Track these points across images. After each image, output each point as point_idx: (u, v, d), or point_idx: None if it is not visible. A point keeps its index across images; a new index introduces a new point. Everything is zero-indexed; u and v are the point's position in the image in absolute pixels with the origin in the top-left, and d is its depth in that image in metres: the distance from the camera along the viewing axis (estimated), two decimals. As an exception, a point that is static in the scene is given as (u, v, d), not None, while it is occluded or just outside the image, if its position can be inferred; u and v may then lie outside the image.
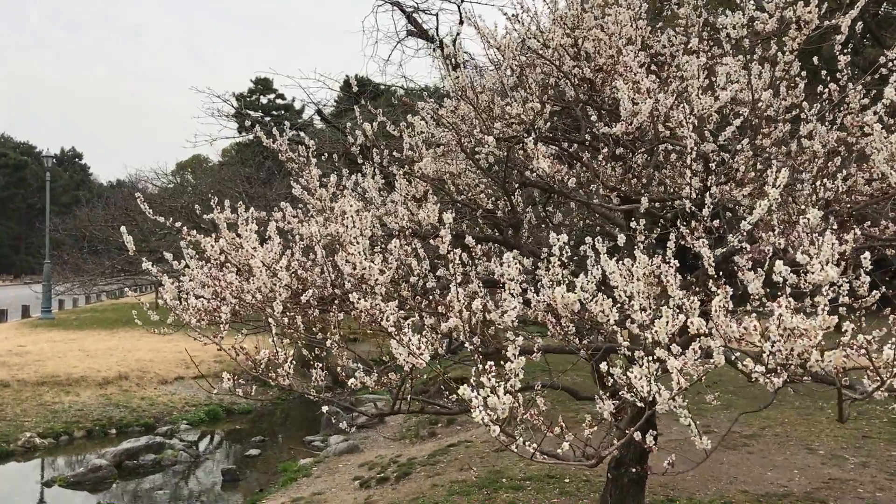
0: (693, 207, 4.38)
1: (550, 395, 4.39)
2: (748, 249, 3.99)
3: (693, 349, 3.44)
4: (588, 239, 4.45)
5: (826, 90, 5.66)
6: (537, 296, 4.20)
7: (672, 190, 5.76)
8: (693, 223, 4.20)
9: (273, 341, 3.95)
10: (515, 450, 3.32)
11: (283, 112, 55.11)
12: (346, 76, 20.60)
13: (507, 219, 6.12)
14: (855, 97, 5.49)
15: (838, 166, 5.33)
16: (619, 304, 3.87)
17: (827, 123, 5.53)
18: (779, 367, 3.19)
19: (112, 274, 28.38)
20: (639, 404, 3.31)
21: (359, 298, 3.43)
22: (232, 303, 4.46)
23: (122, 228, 6.04)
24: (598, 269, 4.07)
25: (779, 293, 3.52)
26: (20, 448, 13.58)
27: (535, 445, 3.37)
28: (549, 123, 6.02)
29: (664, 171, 6.04)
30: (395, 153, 6.45)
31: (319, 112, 16.48)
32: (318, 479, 11.41)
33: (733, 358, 3.58)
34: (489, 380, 3.14)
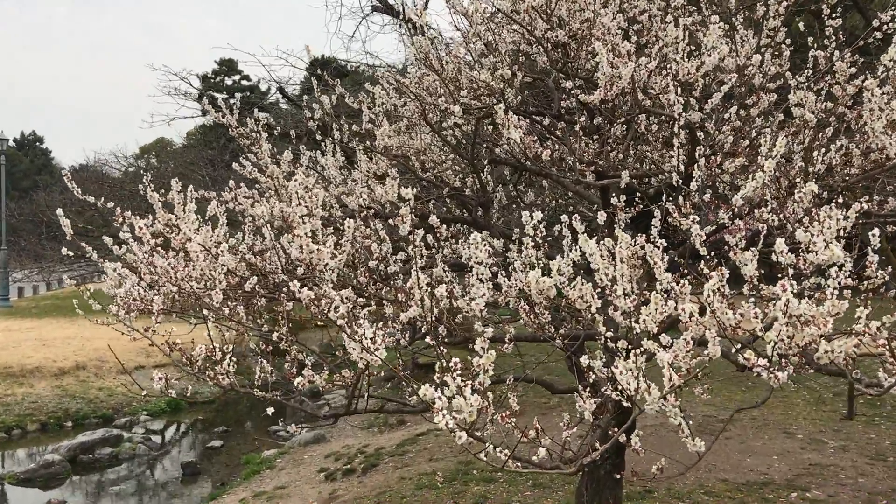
0: (680, 181, 3.98)
1: (522, 387, 4.00)
2: (741, 227, 3.61)
3: (685, 339, 3.05)
4: (564, 217, 4.05)
5: (813, 57, 5.32)
6: (509, 280, 3.79)
7: (652, 165, 5.37)
8: (680, 198, 3.80)
9: (209, 335, 3.49)
10: (485, 458, 2.91)
11: (248, 93, 53.94)
12: (313, 56, 19.91)
13: (476, 197, 5.69)
14: (843, 65, 5.14)
15: (830, 137, 4.98)
16: (599, 290, 3.46)
17: (814, 93, 5.18)
18: (783, 360, 2.81)
19: (73, 260, 27.52)
20: (625, 403, 2.91)
21: (300, 287, 2.98)
22: (171, 291, 3.99)
23: (59, 211, 5.51)
24: (575, 250, 3.67)
25: (779, 275, 3.16)
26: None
27: (506, 451, 2.97)
28: (519, 97, 5.59)
29: (642, 148, 5.65)
30: (355, 127, 5.99)
31: (281, 90, 15.81)
32: (282, 472, 10.98)
33: (734, 351, 3.19)
34: (454, 378, 2.72)
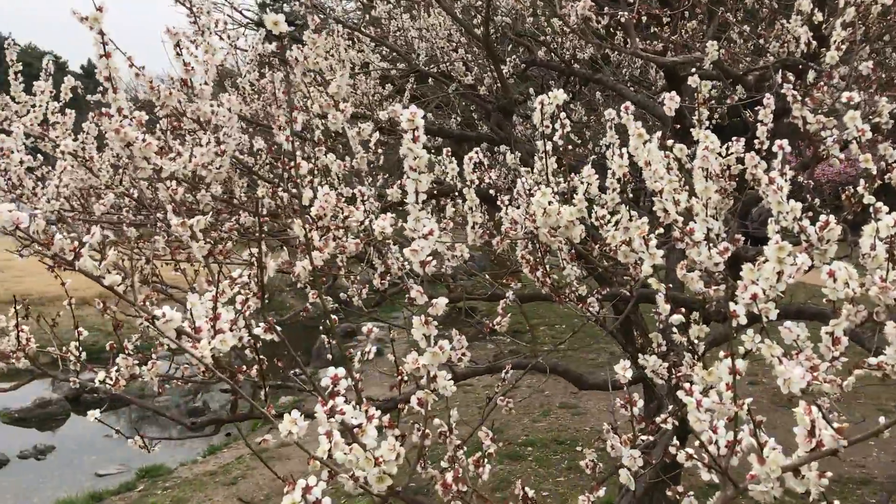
0: (805, 59, 2.39)
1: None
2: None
3: (830, 333, 1.54)
4: (609, 112, 2.52)
5: None
6: (509, 211, 2.30)
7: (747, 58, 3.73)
8: (810, 75, 2.23)
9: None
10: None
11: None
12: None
13: (495, 99, 4.14)
14: None
15: None
16: (661, 229, 1.94)
17: None
18: None
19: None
20: (705, 475, 1.42)
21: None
22: None
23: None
24: (622, 160, 2.15)
25: None
26: (-24, 375, 12.18)
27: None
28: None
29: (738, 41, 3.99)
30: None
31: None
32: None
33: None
34: (330, 413, 1.30)
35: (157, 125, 2.71)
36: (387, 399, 2.63)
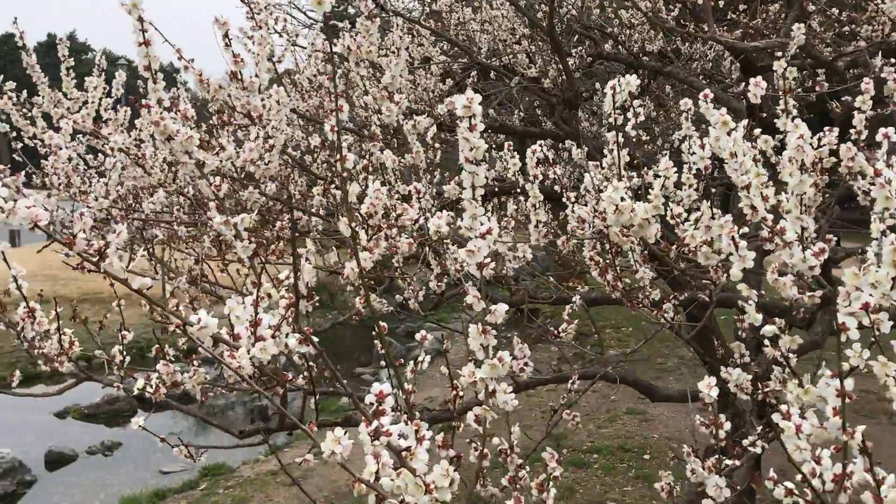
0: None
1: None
2: None
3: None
4: (686, 102, 2.33)
5: None
6: (575, 209, 2.13)
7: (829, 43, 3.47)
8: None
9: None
10: None
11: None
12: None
13: (561, 92, 3.96)
14: None
15: None
16: (745, 227, 1.75)
17: None
18: None
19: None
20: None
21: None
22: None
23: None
24: (703, 152, 1.96)
25: None
26: (47, 371, 12.49)
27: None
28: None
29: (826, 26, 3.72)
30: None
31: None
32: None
33: None
34: (374, 435, 1.17)
35: (209, 119, 2.64)
36: (442, 409, 2.49)
